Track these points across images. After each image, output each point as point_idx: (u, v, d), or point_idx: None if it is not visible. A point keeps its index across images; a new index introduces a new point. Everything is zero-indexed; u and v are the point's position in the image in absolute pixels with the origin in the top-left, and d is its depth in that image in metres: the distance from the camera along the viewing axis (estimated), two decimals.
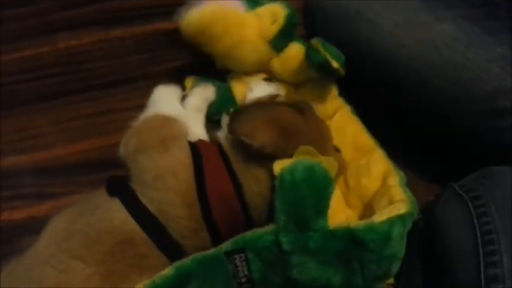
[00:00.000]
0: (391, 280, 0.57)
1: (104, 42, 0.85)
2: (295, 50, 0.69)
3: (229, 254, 0.50)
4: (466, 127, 0.65)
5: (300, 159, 0.51)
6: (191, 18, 0.66)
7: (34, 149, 0.76)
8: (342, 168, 0.64)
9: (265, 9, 0.69)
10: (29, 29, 0.86)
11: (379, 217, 0.51)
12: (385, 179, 0.61)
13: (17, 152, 0.76)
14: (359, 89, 0.71)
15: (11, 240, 0.69)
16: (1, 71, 0.82)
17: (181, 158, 0.56)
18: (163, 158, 0.56)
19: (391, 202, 0.55)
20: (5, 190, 0.73)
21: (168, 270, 0.49)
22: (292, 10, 0.69)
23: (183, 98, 0.66)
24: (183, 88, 0.74)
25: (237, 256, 0.50)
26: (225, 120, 0.65)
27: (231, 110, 0.67)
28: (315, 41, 0.64)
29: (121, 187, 0.56)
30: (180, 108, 0.64)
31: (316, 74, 0.68)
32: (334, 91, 0.71)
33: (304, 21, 0.74)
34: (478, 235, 0.53)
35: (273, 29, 0.68)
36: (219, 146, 0.59)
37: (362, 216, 0.62)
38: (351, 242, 0.50)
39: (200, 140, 0.61)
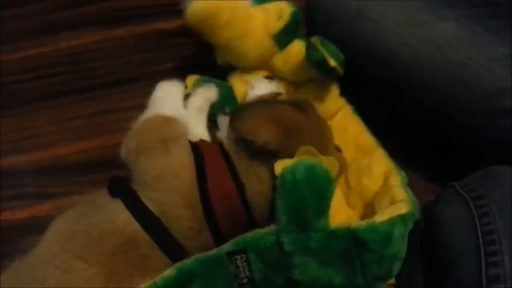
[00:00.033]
0: (392, 280, 0.57)
1: (104, 42, 0.85)
2: (297, 47, 0.69)
3: (230, 254, 0.50)
4: (467, 126, 0.64)
5: (301, 159, 0.51)
6: (197, 5, 0.67)
7: (35, 149, 0.77)
8: (343, 168, 0.64)
9: (272, 6, 0.70)
10: (29, 28, 0.86)
11: (381, 217, 0.51)
12: (386, 178, 0.61)
13: (17, 152, 0.76)
14: (360, 89, 0.71)
15: (11, 240, 0.70)
16: (2, 71, 0.82)
17: (183, 159, 0.56)
18: (164, 159, 0.56)
19: (392, 202, 0.55)
20: (6, 190, 0.74)
21: (169, 271, 0.49)
22: (297, 8, 0.69)
23: (186, 96, 0.66)
24: (185, 86, 0.74)
25: (238, 257, 0.50)
26: (221, 120, 0.65)
27: (227, 109, 0.68)
28: (314, 39, 0.64)
29: (123, 188, 0.56)
30: (181, 107, 0.63)
31: (317, 73, 0.68)
32: (335, 91, 0.71)
33: (305, 21, 0.74)
34: (479, 235, 0.52)
35: (278, 24, 0.69)
36: (221, 145, 0.59)
37: (363, 216, 0.62)
38: (352, 242, 0.50)
39: (201, 140, 0.61)
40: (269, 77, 0.73)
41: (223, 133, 0.63)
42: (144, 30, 0.86)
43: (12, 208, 0.72)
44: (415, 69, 0.65)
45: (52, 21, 0.87)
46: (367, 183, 0.63)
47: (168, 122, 0.60)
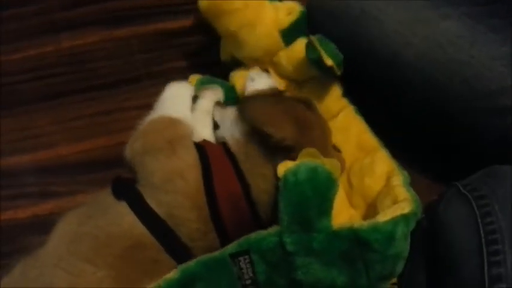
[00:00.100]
0: (394, 279, 0.57)
1: (105, 42, 0.84)
2: (301, 45, 0.68)
3: (233, 256, 0.50)
4: (469, 125, 0.64)
5: (303, 161, 0.51)
6: None
7: (37, 149, 0.77)
8: (342, 167, 0.64)
9: (283, 4, 0.71)
10: (30, 28, 0.86)
11: (383, 217, 0.51)
12: (388, 178, 0.61)
13: (19, 152, 0.76)
14: (362, 88, 0.70)
15: (14, 240, 0.70)
16: (2, 71, 0.82)
17: (189, 160, 0.56)
18: (170, 160, 0.56)
19: (395, 202, 0.55)
20: (8, 189, 0.74)
21: (173, 274, 0.49)
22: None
23: (193, 98, 0.66)
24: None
25: (241, 258, 0.50)
26: (219, 113, 0.65)
27: (223, 102, 0.68)
28: (313, 37, 0.64)
29: (128, 190, 0.56)
30: (187, 110, 0.63)
31: (318, 72, 0.68)
32: (338, 91, 0.71)
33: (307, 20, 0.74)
34: (482, 234, 0.53)
35: (287, 19, 0.69)
36: (224, 145, 0.59)
37: (365, 216, 0.62)
38: (355, 242, 0.50)
39: (205, 141, 0.61)
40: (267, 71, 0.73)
41: (223, 131, 0.63)
42: (145, 31, 0.85)
43: (14, 207, 0.72)
44: (418, 67, 0.65)
45: (53, 21, 0.86)
46: (370, 183, 0.63)
47: (173, 123, 0.60)
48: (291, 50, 0.70)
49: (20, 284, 0.53)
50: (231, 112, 0.63)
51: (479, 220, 0.53)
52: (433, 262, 0.58)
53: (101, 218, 0.54)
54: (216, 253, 0.51)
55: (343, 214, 0.64)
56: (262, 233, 0.51)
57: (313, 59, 0.64)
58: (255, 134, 0.56)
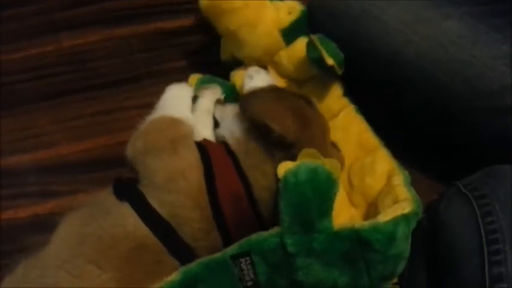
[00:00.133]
0: (395, 279, 0.57)
1: (105, 42, 0.84)
2: (302, 44, 0.69)
3: (234, 257, 0.50)
4: (470, 124, 0.64)
5: (304, 162, 0.51)
6: None
7: (37, 148, 0.77)
8: (341, 165, 0.64)
9: (283, 3, 0.71)
10: (30, 28, 0.86)
11: (384, 217, 0.51)
12: (389, 178, 0.61)
13: (20, 151, 0.76)
14: (363, 88, 0.70)
15: (15, 239, 0.70)
16: (3, 71, 0.82)
17: (191, 160, 0.56)
18: (172, 160, 0.56)
19: (395, 201, 0.55)
20: (9, 189, 0.74)
21: (175, 276, 0.49)
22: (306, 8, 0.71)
23: (193, 98, 0.66)
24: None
25: (242, 260, 0.50)
26: (219, 110, 0.65)
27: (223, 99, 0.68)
28: (314, 37, 0.64)
29: (129, 190, 0.56)
30: (188, 110, 0.63)
31: (318, 71, 0.68)
32: (339, 90, 0.71)
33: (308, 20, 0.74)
34: (483, 234, 0.53)
35: (287, 19, 0.70)
36: (224, 144, 0.59)
37: (366, 215, 0.62)
38: (356, 242, 0.50)
39: (206, 140, 0.61)
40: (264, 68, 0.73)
41: (223, 129, 0.63)
42: (145, 30, 0.85)
43: (15, 207, 0.72)
44: (419, 67, 0.65)
45: (53, 21, 0.86)
46: (370, 182, 0.63)
47: (174, 123, 0.59)
48: (292, 50, 0.70)
49: (22, 285, 0.52)
50: (231, 109, 0.63)
51: (479, 219, 0.53)
52: (433, 262, 0.58)
53: (103, 219, 0.54)
54: (217, 255, 0.51)
55: (344, 213, 0.64)
56: (263, 234, 0.51)
57: (314, 58, 0.64)
58: (255, 131, 0.57)
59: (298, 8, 0.71)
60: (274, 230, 0.51)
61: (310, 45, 0.64)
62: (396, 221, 0.50)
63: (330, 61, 0.62)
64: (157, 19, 0.86)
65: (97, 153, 0.76)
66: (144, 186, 0.56)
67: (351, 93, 0.71)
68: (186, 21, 0.85)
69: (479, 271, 0.51)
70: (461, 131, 0.66)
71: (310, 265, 0.50)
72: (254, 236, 0.51)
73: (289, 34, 0.70)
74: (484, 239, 0.52)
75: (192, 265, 0.50)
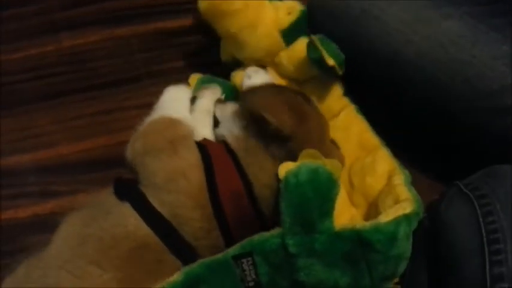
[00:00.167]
0: (396, 279, 0.58)
1: (105, 42, 0.84)
2: (302, 45, 0.69)
3: (236, 258, 0.50)
4: (470, 124, 0.65)
5: (304, 162, 0.51)
6: None
7: (37, 148, 0.77)
8: (341, 164, 0.64)
9: (283, 3, 0.71)
10: (30, 28, 0.86)
11: (385, 217, 0.51)
12: (390, 177, 0.61)
13: (20, 151, 0.76)
14: (364, 88, 0.70)
15: (15, 239, 0.70)
16: (2, 71, 0.82)
17: (191, 159, 0.56)
18: (172, 160, 0.56)
19: (396, 201, 0.55)
20: (9, 189, 0.74)
21: (176, 276, 0.49)
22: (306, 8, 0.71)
23: (192, 99, 0.66)
24: (188, 85, 0.74)
25: (244, 260, 0.50)
26: (220, 109, 0.65)
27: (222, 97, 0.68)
28: (315, 37, 0.64)
29: (130, 190, 0.56)
30: (187, 111, 0.63)
31: (319, 71, 0.68)
32: (339, 90, 0.71)
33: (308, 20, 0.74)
34: (484, 234, 0.53)
35: (287, 19, 0.70)
36: (224, 143, 0.60)
37: (367, 215, 0.62)
38: (357, 243, 0.50)
39: (206, 140, 0.61)
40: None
41: (223, 128, 0.63)
42: (145, 30, 0.85)
43: (15, 207, 0.72)
44: (419, 67, 0.65)
45: (53, 21, 0.86)
46: (371, 182, 0.63)
47: (173, 123, 0.60)
48: (292, 50, 0.70)
49: (23, 285, 0.53)
50: (230, 108, 0.64)
51: (480, 219, 0.54)
52: (434, 262, 0.58)
53: (104, 219, 0.54)
54: (219, 255, 0.51)
55: (345, 213, 0.64)
56: (265, 234, 0.51)
57: (314, 58, 0.64)
58: (253, 126, 0.57)
59: (297, 8, 0.71)
60: (276, 231, 0.51)
61: (311, 46, 0.64)
62: (397, 221, 0.51)
63: (330, 62, 0.62)
64: (157, 19, 0.86)
65: (97, 153, 0.76)
66: (145, 186, 0.56)
67: (351, 93, 0.71)
68: (186, 21, 0.85)
69: (480, 271, 0.51)
70: (462, 131, 0.66)
71: (312, 266, 0.50)
72: (256, 237, 0.51)
73: (289, 35, 0.70)
74: (485, 239, 0.52)
75: (194, 265, 0.50)
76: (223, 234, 0.55)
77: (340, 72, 0.64)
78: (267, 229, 0.52)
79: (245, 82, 0.69)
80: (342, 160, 0.63)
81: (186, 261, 0.52)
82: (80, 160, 0.76)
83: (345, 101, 0.71)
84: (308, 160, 0.51)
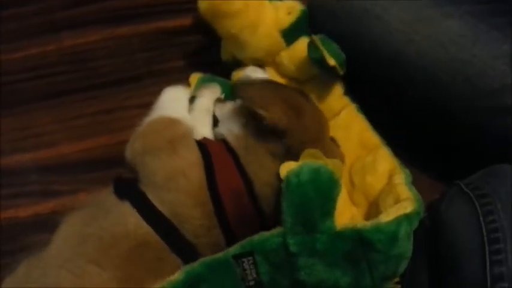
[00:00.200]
0: (397, 279, 0.58)
1: (106, 41, 0.84)
2: (303, 44, 0.69)
3: (237, 257, 0.50)
4: (471, 123, 0.65)
5: (306, 162, 0.51)
6: None
7: (38, 147, 0.76)
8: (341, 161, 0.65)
9: (283, 3, 0.71)
10: (31, 28, 0.86)
11: (386, 217, 0.51)
12: (390, 177, 0.61)
13: (20, 151, 0.76)
14: (364, 87, 0.71)
15: (16, 239, 0.70)
16: (3, 70, 0.82)
17: (191, 158, 0.56)
18: (172, 159, 0.56)
19: (397, 201, 0.55)
20: (10, 188, 0.74)
21: (177, 275, 0.49)
22: (306, 7, 0.71)
23: (191, 98, 0.66)
24: (188, 85, 0.74)
25: (245, 259, 0.50)
26: (219, 108, 0.65)
27: (223, 97, 0.68)
28: (315, 37, 0.64)
29: (130, 189, 0.56)
30: (185, 111, 0.63)
31: (319, 71, 0.68)
32: (340, 89, 0.71)
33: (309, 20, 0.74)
34: (484, 233, 0.53)
35: (287, 19, 0.70)
36: (224, 142, 0.60)
37: (367, 215, 0.62)
38: (358, 242, 0.50)
39: (205, 139, 0.61)
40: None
41: (222, 127, 0.63)
42: (146, 29, 0.85)
43: (16, 206, 0.72)
44: (420, 66, 0.65)
45: (53, 20, 0.86)
46: (371, 181, 0.63)
47: (172, 123, 0.60)
48: (293, 50, 0.70)
49: (24, 284, 0.53)
50: (229, 106, 0.64)
51: (481, 219, 0.54)
52: (435, 261, 0.58)
53: (104, 218, 0.54)
54: (220, 254, 0.51)
55: (345, 212, 0.64)
56: (266, 234, 0.51)
57: (315, 58, 0.64)
58: (252, 123, 0.57)
59: (298, 8, 0.71)
60: (277, 230, 0.51)
61: (312, 46, 0.64)
62: (398, 221, 0.51)
63: (331, 61, 0.62)
64: (158, 18, 0.86)
65: (98, 152, 0.76)
66: (144, 185, 0.56)
67: (352, 92, 0.71)
68: (187, 20, 0.84)
69: (481, 270, 0.51)
70: (462, 130, 0.66)
71: (313, 265, 0.50)
72: (256, 236, 0.51)
73: (290, 34, 0.70)
74: (485, 238, 0.53)
75: (195, 265, 0.50)
76: (224, 232, 0.55)
77: (341, 72, 0.64)
78: (268, 227, 0.52)
79: None
80: (341, 158, 0.64)
81: (186, 260, 0.52)
82: (81, 159, 0.76)
83: (346, 100, 0.71)
84: (310, 160, 0.51)
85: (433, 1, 0.65)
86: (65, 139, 0.77)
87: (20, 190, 0.74)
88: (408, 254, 0.52)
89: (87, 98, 0.80)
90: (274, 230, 0.51)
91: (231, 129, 0.60)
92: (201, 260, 0.51)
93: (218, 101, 0.67)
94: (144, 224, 0.53)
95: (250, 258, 0.50)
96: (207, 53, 0.79)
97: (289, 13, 0.70)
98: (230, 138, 0.59)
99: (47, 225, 0.56)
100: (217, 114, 0.65)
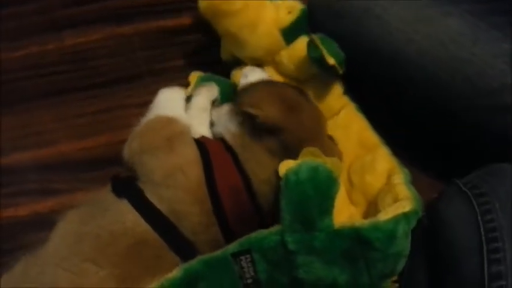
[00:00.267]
0: (395, 277, 0.58)
1: (107, 40, 0.84)
2: (302, 44, 0.69)
3: (235, 255, 0.50)
4: (471, 122, 0.64)
5: (305, 160, 0.51)
6: None
7: (38, 146, 0.77)
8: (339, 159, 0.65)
9: (283, 2, 0.71)
10: (31, 26, 0.86)
11: (384, 215, 0.51)
12: (389, 176, 0.61)
13: (20, 149, 0.77)
14: (364, 86, 0.71)
15: (15, 237, 0.70)
16: (3, 68, 0.82)
17: (189, 155, 0.57)
18: (169, 157, 0.56)
19: (395, 200, 0.55)
20: (9, 186, 0.74)
21: (175, 273, 0.49)
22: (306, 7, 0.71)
23: (188, 98, 0.66)
24: (188, 84, 0.74)
25: (243, 257, 0.51)
26: (215, 113, 0.65)
27: (219, 102, 0.68)
28: (315, 36, 0.64)
29: (128, 187, 0.56)
30: (182, 110, 0.63)
31: (319, 70, 0.68)
32: (339, 89, 0.71)
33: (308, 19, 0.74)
34: (482, 232, 0.53)
35: (287, 18, 0.70)
36: (222, 140, 0.60)
37: (366, 214, 0.62)
38: (356, 241, 0.50)
39: (204, 137, 0.62)
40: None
41: (220, 127, 0.63)
42: (147, 28, 0.85)
43: (15, 205, 0.73)
44: (420, 66, 0.65)
45: (54, 19, 0.86)
46: (370, 180, 0.63)
47: (170, 121, 0.60)
48: (293, 49, 0.70)
49: (21, 282, 0.53)
50: (226, 107, 0.64)
51: (479, 218, 0.54)
52: (433, 260, 0.58)
53: (102, 216, 0.54)
54: (218, 252, 0.51)
55: (344, 211, 0.64)
56: (264, 232, 0.51)
57: (314, 57, 0.64)
58: (248, 121, 0.57)
59: (298, 7, 0.71)
60: (275, 228, 0.51)
61: (311, 45, 0.65)
62: (396, 220, 0.51)
63: (331, 61, 0.62)
64: (159, 17, 0.86)
65: (98, 151, 0.76)
66: (143, 183, 0.56)
67: (351, 91, 0.71)
68: (187, 19, 0.85)
69: (479, 269, 0.51)
70: (462, 129, 0.66)
71: (311, 263, 0.51)
72: (254, 234, 0.51)
73: (290, 34, 0.70)
74: (483, 237, 0.53)
75: (193, 262, 0.50)
76: (222, 229, 0.55)
77: (341, 72, 0.64)
78: (266, 225, 0.52)
79: (242, 81, 0.69)
80: (340, 156, 0.64)
81: (185, 257, 0.52)
82: (81, 158, 0.76)
83: (345, 99, 0.71)
84: (308, 158, 0.52)
85: (432, 0, 0.65)
86: (65, 138, 0.77)
87: (20, 189, 0.74)
88: (406, 253, 0.52)
89: (87, 96, 0.80)
90: (272, 228, 0.51)
91: (228, 128, 0.61)
92: (199, 257, 0.51)
93: (214, 105, 0.67)
94: (142, 221, 0.53)
95: (248, 256, 0.50)
96: (207, 52, 0.79)
97: (289, 12, 0.70)
98: (228, 137, 0.60)
99: (46, 223, 0.56)
100: (214, 118, 0.65)
